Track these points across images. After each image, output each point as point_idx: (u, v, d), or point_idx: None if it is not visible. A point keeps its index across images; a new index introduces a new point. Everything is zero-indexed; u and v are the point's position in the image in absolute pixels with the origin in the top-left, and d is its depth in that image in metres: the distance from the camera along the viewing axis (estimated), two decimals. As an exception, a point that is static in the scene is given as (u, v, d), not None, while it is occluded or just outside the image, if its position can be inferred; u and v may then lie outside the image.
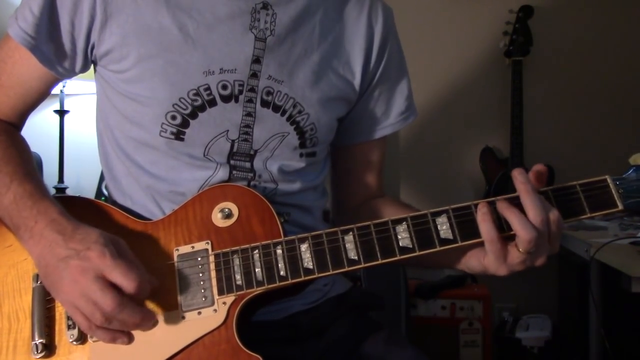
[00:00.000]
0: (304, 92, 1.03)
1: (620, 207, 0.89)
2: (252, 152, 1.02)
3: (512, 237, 0.88)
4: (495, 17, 3.03)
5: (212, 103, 0.99)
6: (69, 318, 0.92)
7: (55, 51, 1.00)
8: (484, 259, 0.91)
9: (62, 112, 2.75)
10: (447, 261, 0.97)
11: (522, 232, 0.85)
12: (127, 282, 0.83)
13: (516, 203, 0.88)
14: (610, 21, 3.07)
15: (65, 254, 0.85)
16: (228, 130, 1.00)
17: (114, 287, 0.83)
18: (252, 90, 1.00)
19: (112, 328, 0.86)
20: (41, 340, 0.91)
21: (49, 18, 0.98)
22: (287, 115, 1.03)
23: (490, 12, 3.06)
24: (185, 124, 0.99)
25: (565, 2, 3.07)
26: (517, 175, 0.88)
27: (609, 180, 0.90)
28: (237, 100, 1.00)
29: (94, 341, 0.91)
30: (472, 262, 0.94)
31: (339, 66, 1.08)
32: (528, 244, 0.85)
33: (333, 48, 1.07)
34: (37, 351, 0.91)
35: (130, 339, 0.89)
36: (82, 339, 0.91)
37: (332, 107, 1.07)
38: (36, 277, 0.94)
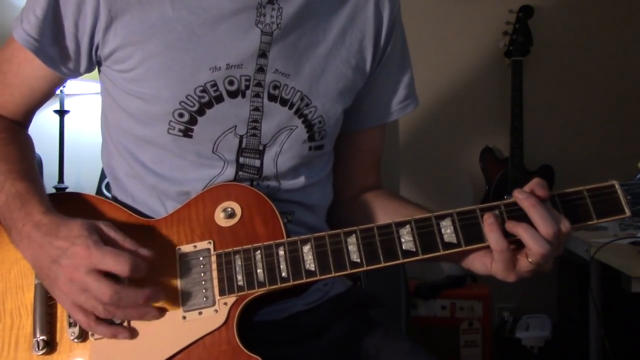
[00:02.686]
0: (311, 85, 1.03)
1: (628, 213, 0.87)
2: (261, 148, 1.02)
3: (518, 241, 0.87)
4: (495, 17, 3.03)
5: (219, 99, 0.98)
6: (70, 316, 0.92)
7: (60, 53, 1.00)
8: (491, 265, 0.90)
9: (62, 112, 2.74)
10: (450, 259, 0.96)
11: (534, 247, 0.84)
12: (119, 267, 0.83)
13: (523, 214, 0.86)
14: (611, 21, 3.07)
15: (55, 255, 0.85)
16: (236, 126, 1.00)
17: (109, 276, 0.84)
18: (259, 84, 1.00)
19: (115, 321, 0.87)
20: (42, 337, 0.91)
21: (53, 20, 0.98)
22: (294, 108, 1.02)
23: (490, 12, 3.06)
24: (193, 121, 0.98)
25: (565, 2, 3.07)
26: (518, 195, 0.87)
27: (617, 186, 0.88)
28: (244, 96, 0.99)
29: (95, 339, 0.91)
30: (476, 264, 0.93)
31: (350, 55, 1.07)
32: (542, 258, 0.85)
33: (342, 38, 1.06)
34: (39, 348, 0.91)
35: (132, 333, 0.89)
36: (83, 336, 0.91)
37: (340, 98, 1.06)
38: (39, 275, 0.94)
